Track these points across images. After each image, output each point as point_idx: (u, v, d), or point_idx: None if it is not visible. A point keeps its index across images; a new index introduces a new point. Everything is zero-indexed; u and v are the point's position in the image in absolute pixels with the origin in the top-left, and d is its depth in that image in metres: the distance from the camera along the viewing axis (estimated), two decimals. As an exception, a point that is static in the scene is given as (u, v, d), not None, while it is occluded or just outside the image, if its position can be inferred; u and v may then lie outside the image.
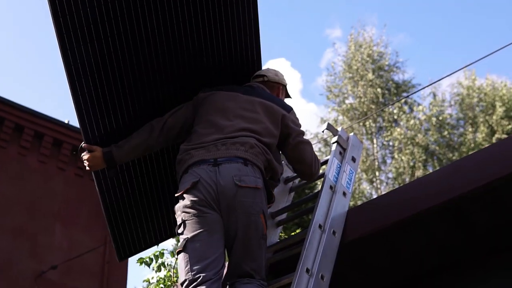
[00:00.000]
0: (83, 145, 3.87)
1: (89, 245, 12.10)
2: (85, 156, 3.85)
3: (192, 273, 3.34)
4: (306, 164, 3.88)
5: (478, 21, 41.41)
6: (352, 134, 4.39)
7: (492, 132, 25.86)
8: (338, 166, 4.09)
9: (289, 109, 3.96)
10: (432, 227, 3.64)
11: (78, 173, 12.73)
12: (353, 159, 4.23)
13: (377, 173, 25.21)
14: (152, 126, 3.90)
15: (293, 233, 5.31)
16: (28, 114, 12.40)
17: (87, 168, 3.88)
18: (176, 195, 3.63)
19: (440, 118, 26.58)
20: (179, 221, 3.54)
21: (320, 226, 3.65)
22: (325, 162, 4.22)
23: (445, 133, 26.35)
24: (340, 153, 4.21)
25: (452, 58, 40.00)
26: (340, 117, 26.32)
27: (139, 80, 3.89)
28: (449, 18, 41.15)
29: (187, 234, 3.45)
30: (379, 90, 25.93)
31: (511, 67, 41.51)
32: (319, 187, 3.97)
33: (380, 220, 3.67)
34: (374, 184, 25.20)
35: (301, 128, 3.97)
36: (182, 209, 3.51)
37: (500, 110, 26.30)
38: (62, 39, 3.56)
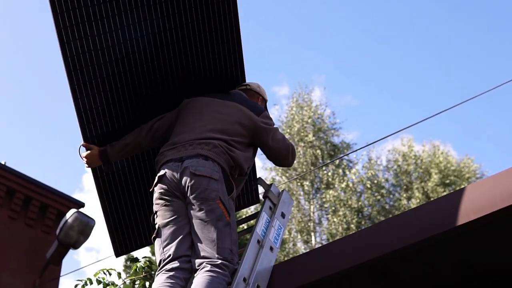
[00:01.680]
0: (82, 144, 4.39)
1: (18, 290, 11.82)
2: (84, 153, 4.39)
3: (164, 253, 3.84)
4: (283, 153, 4.36)
5: (423, 85, 42.29)
6: (283, 190, 4.45)
7: (428, 198, 26.25)
8: (267, 221, 4.13)
9: (260, 111, 4.35)
10: (360, 285, 3.67)
11: (12, 216, 12.49)
12: (283, 215, 4.27)
13: (312, 234, 25.25)
14: (141, 127, 4.44)
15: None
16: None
17: (86, 165, 4.42)
18: (150, 190, 4.12)
19: (375, 181, 26.90)
20: (154, 212, 4.02)
21: (244, 280, 3.66)
22: (254, 216, 4.27)
23: (379, 196, 26.62)
24: (270, 208, 4.25)
25: (398, 122, 40.77)
26: (278, 178, 26.41)
27: (135, 92, 4.43)
28: (395, 83, 41.99)
29: (159, 222, 3.95)
30: (319, 151, 26.18)
31: (451, 132, 42.37)
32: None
33: (305, 276, 3.69)
34: (309, 244, 25.24)
35: (273, 126, 4.36)
36: (154, 201, 4.02)
37: (435, 177, 26.80)
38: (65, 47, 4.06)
